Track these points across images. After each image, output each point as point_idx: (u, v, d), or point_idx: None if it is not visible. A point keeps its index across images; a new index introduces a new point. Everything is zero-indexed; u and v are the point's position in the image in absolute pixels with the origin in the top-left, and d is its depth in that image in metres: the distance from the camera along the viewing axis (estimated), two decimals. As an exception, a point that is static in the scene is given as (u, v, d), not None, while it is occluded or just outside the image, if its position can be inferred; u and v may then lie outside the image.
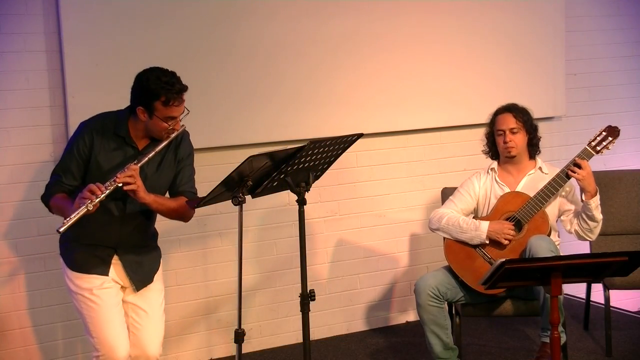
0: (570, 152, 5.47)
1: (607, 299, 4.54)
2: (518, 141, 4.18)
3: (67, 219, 3.12)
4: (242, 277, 3.42)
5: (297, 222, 3.48)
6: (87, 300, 3.41)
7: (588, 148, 4.08)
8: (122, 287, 3.52)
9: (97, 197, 3.15)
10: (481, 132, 4.44)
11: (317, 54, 4.83)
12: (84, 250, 3.44)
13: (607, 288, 4.54)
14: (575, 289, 5.32)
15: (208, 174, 4.53)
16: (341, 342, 5.01)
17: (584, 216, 4.07)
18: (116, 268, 3.48)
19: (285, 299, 4.93)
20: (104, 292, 3.43)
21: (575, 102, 5.63)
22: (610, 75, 5.79)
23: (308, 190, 3.50)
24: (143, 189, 3.29)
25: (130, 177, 3.23)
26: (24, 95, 4.29)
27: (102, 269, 3.44)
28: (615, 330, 4.69)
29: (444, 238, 4.22)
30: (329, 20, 4.84)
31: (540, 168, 4.25)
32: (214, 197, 3.40)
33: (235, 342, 3.45)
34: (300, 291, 3.50)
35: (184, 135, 3.54)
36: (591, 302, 4.94)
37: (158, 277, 3.62)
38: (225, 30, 4.61)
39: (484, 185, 4.28)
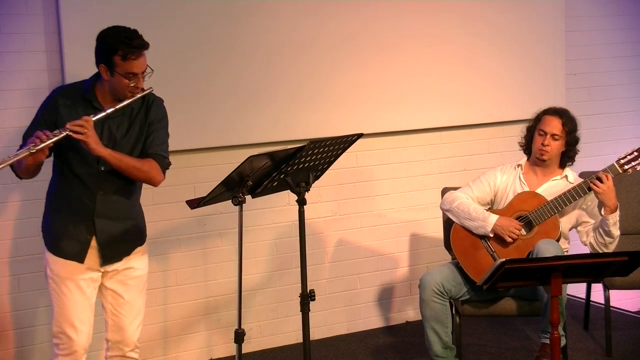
0: (570, 152, 5.50)
1: (607, 299, 4.54)
2: (554, 148, 4.15)
3: (7, 157, 3.15)
4: (242, 277, 3.43)
5: (297, 222, 3.48)
6: (58, 289, 3.42)
7: (616, 165, 4.06)
8: (101, 272, 3.49)
9: (42, 142, 3.15)
10: (481, 132, 4.47)
11: (317, 54, 4.84)
12: (64, 227, 3.41)
13: (607, 288, 4.54)
14: (575, 289, 5.32)
15: (208, 174, 4.54)
16: (341, 342, 5.01)
17: (601, 231, 4.05)
18: (93, 251, 3.44)
19: (285, 299, 4.94)
20: (78, 284, 3.41)
21: (575, 102, 5.62)
22: (610, 75, 5.79)
23: (308, 190, 3.51)
24: (95, 141, 3.24)
25: (80, 126, 3.21)
26: (24, 95, 4.28)
27: (79, 255, 3.41)
28: (615, 330, 4.69)
29: (453, 224, 4.22)
30: (329, 20, 4.84)
31: (566, 176, 4.23)
32: (214, 197, 3.40)
33: (235, 342, 3.45)
34: (300, 291, 3.50)
35: (156, 100, 3.51)
36: (591, 302, 4.94)
37: (140, 262, 3.57)
38: (226, 31, 4.61)
39: (506, 179, 4.26)
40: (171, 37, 4.47)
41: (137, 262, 3.57)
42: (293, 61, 4.78)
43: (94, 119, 3.26)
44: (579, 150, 4.27)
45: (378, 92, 5.01)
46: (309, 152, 3.40)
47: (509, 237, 4.05)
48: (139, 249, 3.58)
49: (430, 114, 5.16)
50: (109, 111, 3.31)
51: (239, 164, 3.27)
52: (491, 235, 4.10)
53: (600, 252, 4.10)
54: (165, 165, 3.54)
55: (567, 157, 4.23)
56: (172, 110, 4.51)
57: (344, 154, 3.65)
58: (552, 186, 4.21)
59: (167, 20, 4.47)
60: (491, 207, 4.29)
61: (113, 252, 3.49)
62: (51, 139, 3.18)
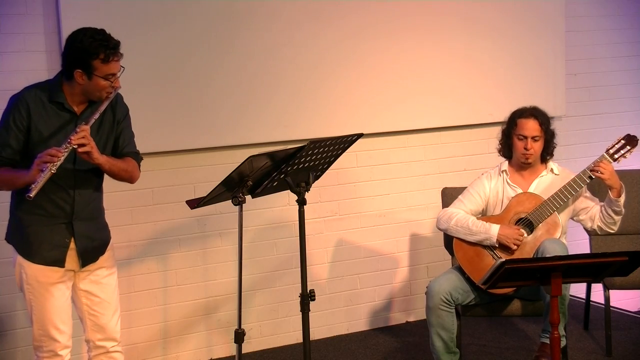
0: (570, 152, 5.50)
1: (607, 299, 4.54)
2: (537, 149, 4.17)
3: (34, 184, 3.10)
4: (242, 277, 3.43)
5: (297, 222, 3.48)
6: (38, 294, 3.37)
7: (606, 155, 4.09)
8: (74, 272, 3.46)
9: (58, 160, 3.13)
10: (481, 132, 4.46)
11: (317, 54, 4.83)
12: (40, 233, 3.36)
13: (607, 288, 4.54)
14: (575, 289, 5.31)
15: (208, 174, 4.54)
16: (341, 342, 5.01)
17: (610, 212, 4.10)
18: (71, 253, 3.40)
19: (285, 299, 4.94)
20: (58, 287, 3.39)
21: (575, 102, 5.64)
22: (610, 75, 5.79)
23: (308, 190, 3.51)
24: (96, 149, 3.25)
25: (83, 137, 3.19)
26: (24, 96, 4.28)
27: (59, 260, 3.38)
28: (615, 330, 4.69)
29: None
30: (329, 21, 4.84)
31: (551, 170, 4.25)
32: (214, 197, 3.40)
33: (235, 342, 3.45)
34: (300, 291, 3.50)
35: (118, 97, 3.46)
36: (591, 302, 4.94)
37: (110, 260, 3.55)
38: (226, 31, 4.61)
39: (495, 186, 4.26)
40: (171, 37, 4.47)
41: (107, 262, 3.54)
42: (293, 61, 4.78)
43: (88, 125, 3.23)
44: (556, 144, 4.28)
45: (378, 92, 5.01)
46: (309, 152, 3.40)
47: (514, 244, 4.05)
48: (108, 247, 3.56)
49: (430, 114, 5.16)
50: (96, 116, 3.27)
51: (239, 164, 3.27)
52: (496, 245, 4.09)
53: (609, 230, 4.17)
54: (140, 160, 3.56)
55: (546, 152, 4.25)
56: (172, 110, 4.54)
57: (344, 154, 3.65)
58: (541, 182, 4.23)
59: (167, 20, 4.47)
60: (484, 214, 4.28)
61: (91, 253, 3.47)
62: (64, 155, 3.15)
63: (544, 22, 5.42)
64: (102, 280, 3.52)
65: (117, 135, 3.47)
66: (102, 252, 3.51)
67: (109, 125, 3.43)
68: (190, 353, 4.77)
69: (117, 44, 3.28)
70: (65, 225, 3.38)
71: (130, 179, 3.50)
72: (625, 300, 5.46)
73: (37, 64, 4.30)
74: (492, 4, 5.26)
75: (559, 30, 5.46)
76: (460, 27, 5.18)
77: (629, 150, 4.11)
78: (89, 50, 3.22)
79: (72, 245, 3.40)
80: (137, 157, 3.54)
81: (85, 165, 3.33)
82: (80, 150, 3.19)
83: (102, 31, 3.28)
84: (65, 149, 3.16)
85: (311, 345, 3.59)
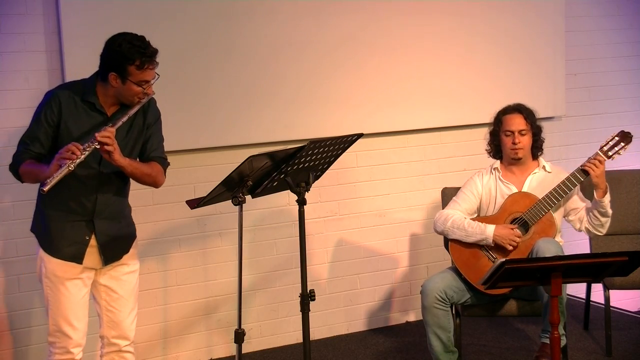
0: (570, 152, 5.50)
1: (607, 299, 4.54)
2: (525, 143, 4.18)
3: (50, 178, 3.13)
4: (242, 277, 3.43)
5: (297, 222, 3.48)
6: (55, 288, 3.41)
7: (600, 153, 4.08)
8: (95, 270, 3.49)
9: (77, 157, 3.16)
10: (481, 132, 4.46)
11: (318, 54, 4.84)
12: (61, 229, 3.40)
13: (607, 288, 4.54)
14: (575, 289, 5.32)
15: (208, 174, 4.55)
16: (341, 342, 5.01)
17: (596, 213, 4.09)
18: (91, 250, 3.44)
19: (285, 299, 4.94)
20: (75, 284, 3.42)
21: (575, 102, 5.63)
22: (610, 75, 5.79)
23: (308, 190, 3.51)
24: (119, 151, 3.27)
25: (107, 137, 3.21)
26: (23, 96, 4.28)
27: (78, 257, 3.41)
28: (615, 330, 4.69)
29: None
30: (329, 21, 4.85)
31: (543, 167, 4.26)
32: (214, 197, 3.40)
33: (235, 342, 3.45)
34: (300, 291, 3.50)
35: (151, 101, 3.49)
36: (591, 302, 4.94)
37: (132, 258, 3.58)
38: (226, 31, 4.61)
39: (487, 184, 4.26)
40: (171, 37, 4.47)
41: (129, 259, 3.58)
42: (293, 61, 4.78)
43: (115, 127, 3.27)
44: (544, 139, 4.29)
45: (378, 92, 5.01)
46: (309, 152, 3.40)
47: (510, 245, 4.05)
48: (132, 245, 3.60)
49: (430, 114, 5.16)
50: (124, 119, 3.31)
51: (239, 164, 3.27)
52: (492, 245, 4.09)
53: (598, 233, 4.16)
54: (166, 166, 3.59)
55: (535, 148, 4.26)
56: (172, 110, 4.53)
57: (344, 154, 3.65)
58: (535, 179, 4.23)
59: (167, 20, 4.47)
60: (479, 214, 4.28)
61: (114, 252, 3.51)
62: (84, 153, 3.18)
63: (544, 22, 5.42)
64: (123, 277, 3.55)
65: (145, 139, 3.50)
66: (126, 251, 3.56)
67: (138, 129, 3.47)
68: (190, 353, 4.77)
69: (154, 52, 3.31)
70: (85, 223, 3.42)
71: (154, 184, 3.53)
72: (625, 300, 5.46)
73: (37, 64, 4.30)
74: (492, 4, 5.26)
75: (559, 30, 5.46)
76: (460, 27, 5.18)
77: (623, 147, 4.10)
78: (126, 55, 3.26)
79: (93, 242, 3.44)
80: (164, 162, 3.57)
81: (110, 167, 3.37)
82: (102, 148, 3.22)
83: (142, 38, 3.32)
84: (88, 147, 3.19)
85: (311, 345, 3.59)
